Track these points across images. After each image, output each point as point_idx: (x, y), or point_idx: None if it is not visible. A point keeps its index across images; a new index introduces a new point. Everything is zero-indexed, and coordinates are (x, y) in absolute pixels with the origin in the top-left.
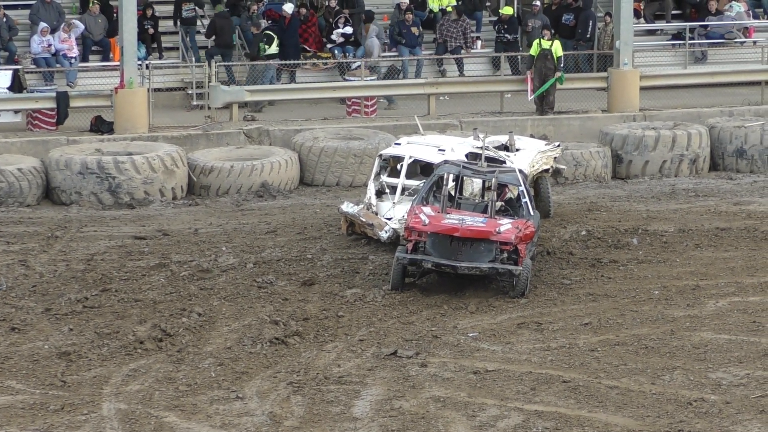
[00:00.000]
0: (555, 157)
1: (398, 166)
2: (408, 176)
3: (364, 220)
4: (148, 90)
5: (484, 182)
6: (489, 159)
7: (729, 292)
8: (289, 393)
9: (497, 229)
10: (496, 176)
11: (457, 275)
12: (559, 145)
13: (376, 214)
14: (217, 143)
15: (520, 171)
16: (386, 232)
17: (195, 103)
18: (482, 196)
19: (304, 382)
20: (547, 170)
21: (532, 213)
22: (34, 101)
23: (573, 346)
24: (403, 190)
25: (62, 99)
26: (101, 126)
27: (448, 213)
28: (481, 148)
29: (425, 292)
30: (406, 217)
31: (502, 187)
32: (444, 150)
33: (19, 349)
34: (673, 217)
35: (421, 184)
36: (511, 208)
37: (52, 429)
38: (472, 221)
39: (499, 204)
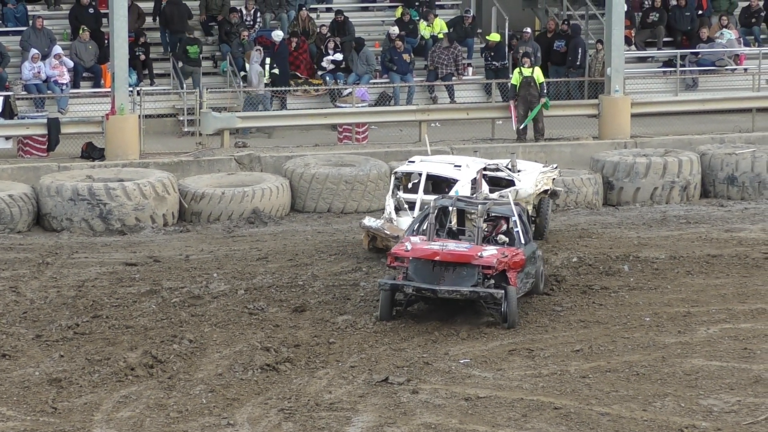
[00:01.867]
0: (553, 179)
1: (410, 184)
2: (424, 192)
3: (388, 233)
4: (139, 116)
5: (463, 213)
6: (494, 180)
7: (720, 318)
8: (280, 420)
9: (479, 254)
10: (487, 206)
11: (438, 299)
12: (556, 167)
13: (399, 228)
14: (208, 170)
15: (516, 203)
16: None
17: (186, 129)
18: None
19: (295, 409)
20: (546, 191)
21: (524, 242)
22: (25, 128)
23: (564, 372)
24: (422, 205)
25: (53, 125)
26: (92, 152)
27: (435, 241)
28: (496, 166)
29: (416, 319)
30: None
31: (496, 220)
32: (460, 166)
33: (10, 376)
34: (664, 244)
35: None
36: (510, 237)
37: None
38: (455, 247)
39: (503, 237)
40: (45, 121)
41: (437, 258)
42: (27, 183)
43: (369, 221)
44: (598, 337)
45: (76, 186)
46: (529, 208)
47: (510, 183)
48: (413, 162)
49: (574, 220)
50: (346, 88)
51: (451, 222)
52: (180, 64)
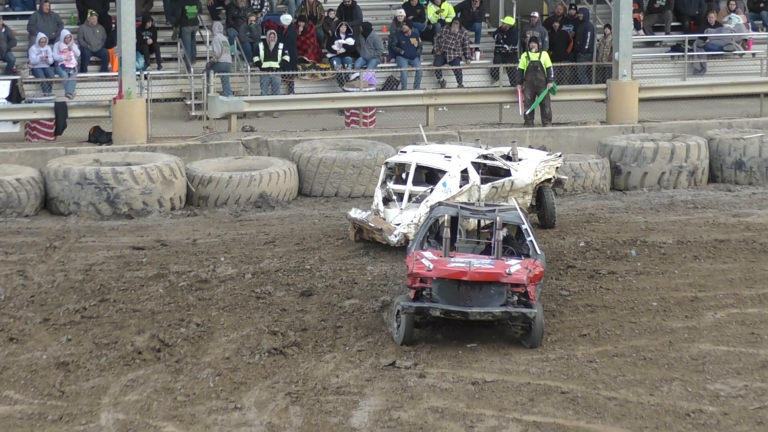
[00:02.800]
0: (557, 167)
1: (403, 174)
2: (414, 183)
3: (373, 225)
4: (147, 100)
5: (479, 222)
6: (492, 170)
7: (727, 303)
8: (287, 403)
9: (507, 271)
10: (498, 215)
11: (468, 322)
12: (560, 156)
13: (384, 219)
14: (215, 154)
15: (520, 209)
16: (395, 236)
17: (193, 113)
18: (488, 237)
19: (302, 393)
20: (549, 180)
21: (538, 252)
22: (33, 111)
23: (571, 357)
24: (410, 196)
25: (61, 109)
26: (99, 136)
27: (452, 256)
28: (485, 156)
29: None
30: (414, 222)
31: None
32: (450, 157)
33: (18, 360)
34: (672, 228)
35: (428, 191)
36: (510, 245)
37: None
38: (479, 263)
39: (508, 247)
40: (52, 105)
41: (465, 278)
42: (34, 167)
43: (355, 213)
44: (605, 322)
45: (83, 170)
46: (528, 198)
47: (507, 173)
48: (405, 152)
49: (581, 205)
50: (353, 73)
51: (461, 234)
52: (179, 32)
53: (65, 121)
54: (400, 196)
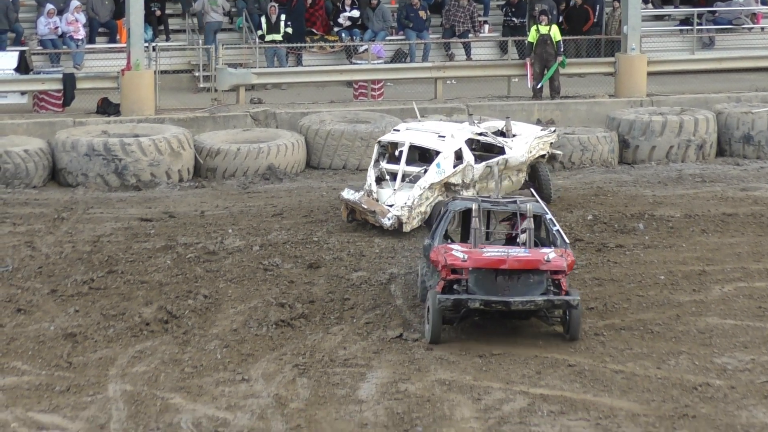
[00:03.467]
0: (551, 143)
1: (396, 153)
2: (407, 163)
3: (365, 207)
4: (155, 72)
5: (488, 214)
6: (485, 146)
7: (735, 277)
8: (294, 375)
9: (546, 258)
10: (526, 206)
11: (510, 313)
12: (555, 131)
13: (377, 200)
14: (223, 126)
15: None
16: (389, 219)
17: (202, 85)
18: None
19: (309, 365)
20: (543, 156)
21: (567, 240)
22: (41, 83)
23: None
24: (403, 176)
25: (69, 81)
26: (108, 108)
27: (482, 247)
28: (479, 134)
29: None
30: (407, 204)
31: (516, 218)
32: (444, 136)
33: (25, 330)
34: (680, 202)
35: (422, 172)
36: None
37: (57, 410)
38: (516, 251)
39: (521, 237)
40: (60, 76)
41: (504, 266)
42: (42, 138)
43: (348, 193)
44: (612, 295)
45: (91, 141)
46: (522, 176)
47: (501, 150)
48: (398, 130)
49: (589, 178)
50: (361, 45)
51: (482, 225)
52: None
53: (73, 92)
54: (393, 175)
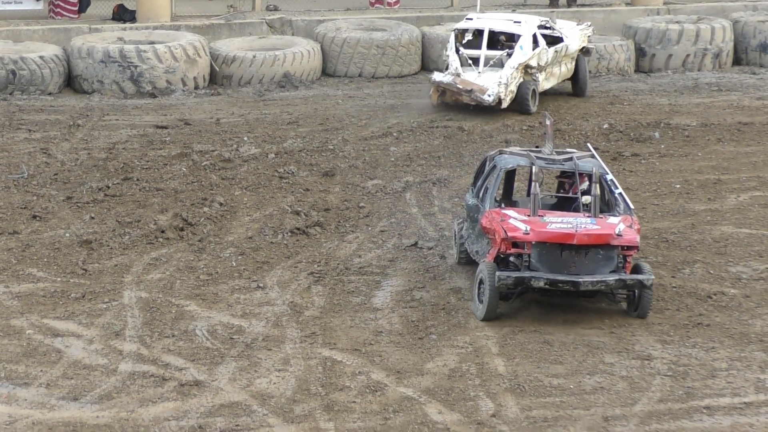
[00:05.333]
0: (588, 36)
1: (464, 40)
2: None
3: (461, 87)
4: None
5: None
6: (545, 37)
7: (750, 186)
8: (309, 283)
9: (617, 231)
10: (587, 165)
11: (579, 294)
12: (590, 25)
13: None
14: (239, 33)
15: (592, 155)
16: (490, 96)
17: None
18: (560, 189)
19: (324, 273)
20: (583, 49)
21: (631, 206)
22: None
23: None
24: (486, 60)
25: None
26: (123, 14)
27: (541, 215)
28: (543, 25)
29: (445, 183)
30: (503, 82)
31: (576, 178)
32: (520, 22)
33: (41, 237)
34: (696, 111)
35: (504, 54)
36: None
37: (73, 317)
38: (583, 223)
39: (587, 198)
40: None
41: (572, 241)
42: (58, 45)
43: (439, 76)
44: None
45: (107, 48)
46: (572, 66)
47: (558, 40)
48: (471, 19)
49: (605, 87)
50: None
51: (536, 188)
52: None
53: None
54: (473, 61)
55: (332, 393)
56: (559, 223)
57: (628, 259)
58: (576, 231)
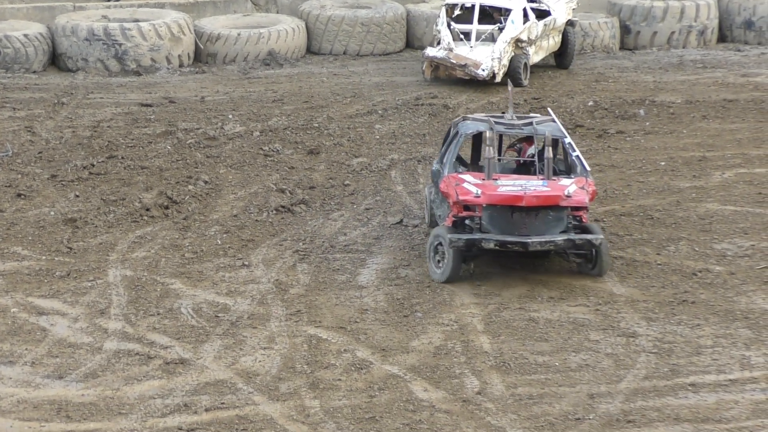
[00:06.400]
0: (573, 8)
1: (453, 14)
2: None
3: (455, 62)
4: None
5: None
6: (541, 12)
7: (735, 163)
8: (295, 261)
9: (566, 192)
10: (544, 130)
11: (527, 254)
12: None
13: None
14: (224, 10)
15: (552, 119)
16: (484, 70)
17: None
18: (517, 153)
19: (310, 250)
20: (569, 22)
21: (587, 168)
22: None
23: None
24: (478, 35)
25: None
26: None
27: (495, 179)
28: None
29: (432, 162)
30: (496, 57)
31: (526, 142)
32: None
33: (25, 216)
34: (681, 88)
35: (496, 28)
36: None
37: (58, 295)
38: (534, 185)
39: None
40: None
41: (521, 203)
42: (42, 23)
43: (432, 51)
44: (613, 181)
45: (91, 26)
46: (559, 39)
47: (545, 13)
48: None
49: (590, 64)
50: None
51: (495, 153)
52: None
53: None
54: (464, 36)
55: (317, 371)
56: (510, 186)
57: (583, 219)
58: (525, 193)
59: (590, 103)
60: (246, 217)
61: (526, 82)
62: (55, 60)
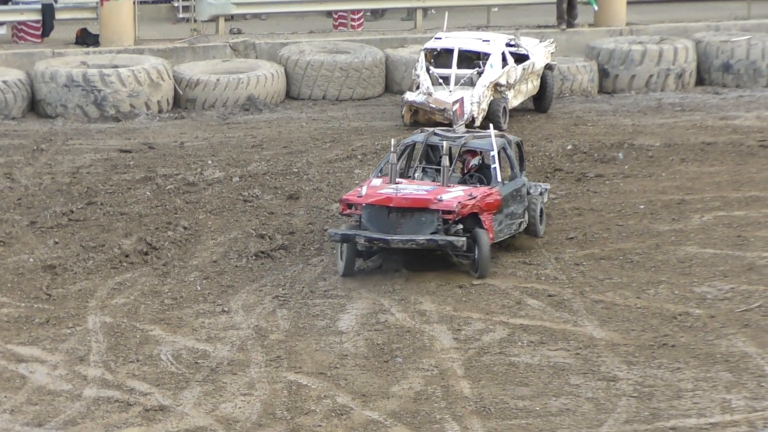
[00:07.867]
0: (551, 53)
1: (431, 60)
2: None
3: (434, 106)
4: (134, 2)
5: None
6: (520, 57)
7: (714, 206)
8: (274, 306)
9: (438, 197)
10: (474, 142)
11: (392, 250)
12: (553, 41)
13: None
14: (203, 56)
15: (502, 135)
16: (463, 115)
17: (181, 15)
18: (450, 164)
19: (289, 296)
20: (548, 66)
21: (500, 179)
22: (20, 13)
23: (558, 260)
24: (457, 79)
25: (48, 11)
26: (87, 38)
27: (398, 183)
28: (509, 43)
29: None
30: (475, 101)
31: (469, 154)
32: (489, 41)
33: (4, 262)
34: (659, 131)
35: (475, 73)
36: (484, 174)
37: (37, 342)
38: (414, 189)
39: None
40: (39, 6)
41: (391, 204)
42: (21, 69)
43: (411, 96)
44: (592, 225)
45: (70, 72)
46: (537, 81)
47: (524, 57)
48: (440, 38)
49: (569, 108)
50: None
51: (395, 156)
52: None
53: (52, 22)
54: (443, 80)
55: (298, 417)
56: (390, 188)
57: (485, 223)
58: (395, 195)
59: (569, 147)
60: (225, 263)
61: (505, 126)
62: (34, 106)
